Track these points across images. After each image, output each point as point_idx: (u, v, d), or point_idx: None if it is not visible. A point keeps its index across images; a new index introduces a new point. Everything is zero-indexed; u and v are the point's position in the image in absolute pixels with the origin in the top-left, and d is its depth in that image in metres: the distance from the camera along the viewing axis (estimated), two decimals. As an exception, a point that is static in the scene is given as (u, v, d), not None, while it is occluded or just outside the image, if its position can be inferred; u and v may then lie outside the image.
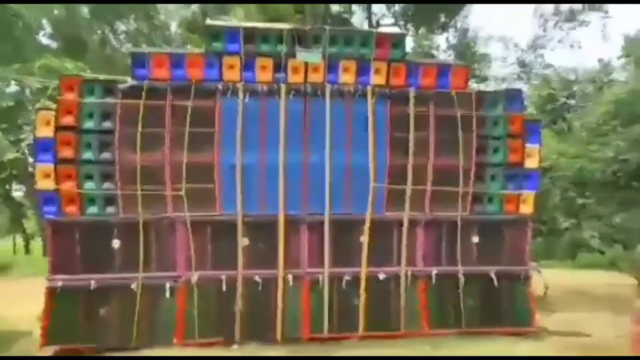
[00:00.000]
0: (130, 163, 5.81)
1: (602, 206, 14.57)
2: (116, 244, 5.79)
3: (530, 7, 21.65)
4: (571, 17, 20.56)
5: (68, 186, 5.71)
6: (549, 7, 20.86)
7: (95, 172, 5.79)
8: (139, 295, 5.71)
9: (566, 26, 21.08)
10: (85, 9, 18.92)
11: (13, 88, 14.08)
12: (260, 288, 5.95)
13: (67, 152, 5.72)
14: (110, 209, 5.83)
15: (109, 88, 5.88)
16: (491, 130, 6.45)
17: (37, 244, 21.31)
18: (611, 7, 19.56)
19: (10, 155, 10.82)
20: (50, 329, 5.56)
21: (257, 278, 5.94)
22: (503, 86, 20.09)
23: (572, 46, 21.63)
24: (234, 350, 5.73)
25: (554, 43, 22.25)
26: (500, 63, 23.42)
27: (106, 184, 5.83)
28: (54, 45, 19.47)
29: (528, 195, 6.47)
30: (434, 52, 21.68)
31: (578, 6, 20.06)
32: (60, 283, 5.61)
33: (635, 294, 3.35)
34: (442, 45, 22.34)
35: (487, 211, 6.45)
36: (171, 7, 20.99)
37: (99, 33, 19.20)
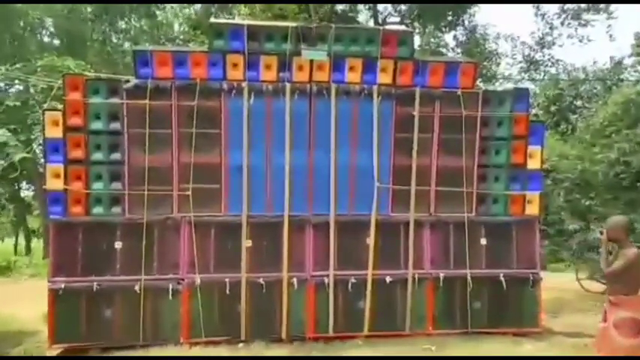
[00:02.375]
0: (138, 163, 5.76)
1: (607, 208, 14.36)
2: (119, 244, 5.74)
3: (536, 6, 21.26)
4: (577, 15, 20.28)
5: (77, 186, 5.68)
6: (553, 6, 20.58)
7: (104, 172, 5.75)
8: (143, 296, 5.66)
9: (574, 23, 20.78)
10: (88, 7, 18.89)
11: (16, 87, 14.12)
12: (264, 290, 5.89)
13: (77, 153, 5.69)
14: (115, 209, 5.79)
15: (113, 88, 5.82)
16: (496, 130, 6.34)
17: (39, 245, 21.40)
18: (622, 5, 19.24)
19: (20, 155, 10.88)
20: (56, 329, 5.57)
21: (261, 281, 5.88)
22: (511, 85, 19.88)
23: (581, 41, 21.31)
24: (240, 349, 5.70)
25: (563, 39, 21.94)
26: (508, 60, 23.11)
27: (114, 185, 5.79)
28: (55, 42, 19.46)
29: (533, 196, 6.36)
30: (442, 49, 21.46)
31: (583, 5, 19.77)
32: (62, 285, 5.58)
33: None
34: (450, 43, 22.12)
35: (493, 213, 6.35)
36: (174, 5, 20.92)
37: (100, 31, 19.13)
